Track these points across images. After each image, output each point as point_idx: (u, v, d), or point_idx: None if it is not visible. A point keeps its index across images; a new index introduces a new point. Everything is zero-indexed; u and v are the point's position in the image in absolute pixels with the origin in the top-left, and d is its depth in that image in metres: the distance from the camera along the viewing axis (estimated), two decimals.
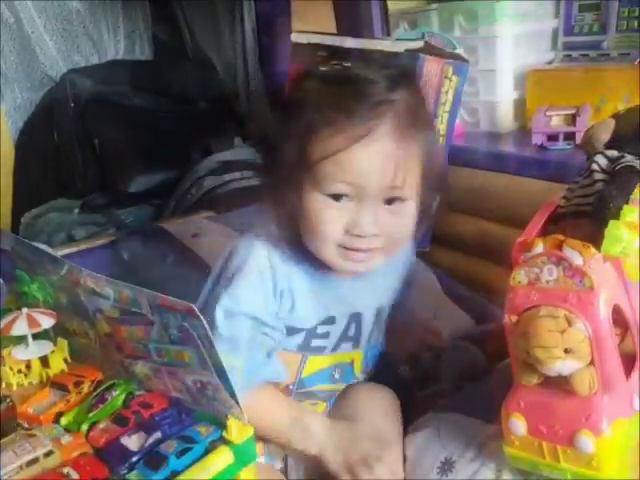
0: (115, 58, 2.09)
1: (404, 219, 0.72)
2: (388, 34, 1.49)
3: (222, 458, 0.66)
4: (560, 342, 0.59)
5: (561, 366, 0.60)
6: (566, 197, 0.76)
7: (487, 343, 0.96)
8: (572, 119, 1.14)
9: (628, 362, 0.62)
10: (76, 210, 1.68)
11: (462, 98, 1.19)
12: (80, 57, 2.03)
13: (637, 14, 1.24)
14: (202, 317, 0.64)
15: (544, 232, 0.74)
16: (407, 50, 1.13)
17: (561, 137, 1.14)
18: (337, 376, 0.82)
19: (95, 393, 0.77)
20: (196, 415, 0.72)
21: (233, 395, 0.67)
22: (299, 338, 0.79)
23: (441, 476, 0.72)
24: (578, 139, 1.13)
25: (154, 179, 1.64)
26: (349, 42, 1.23)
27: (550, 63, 1.36)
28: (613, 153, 0.71)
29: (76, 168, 1.75)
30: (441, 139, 1.20)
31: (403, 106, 0.69)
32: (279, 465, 0.83)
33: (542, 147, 1.16)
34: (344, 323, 0.80)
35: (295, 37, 1.36)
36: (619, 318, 0.62)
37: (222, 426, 0.69)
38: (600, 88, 1.16)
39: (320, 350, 0.80)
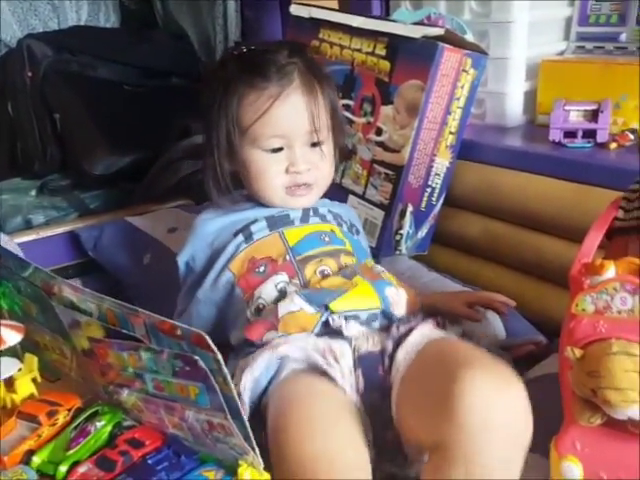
0: (77, 24, 1.92)
1: (325, 158, 0.91)
2: (387, 13, 1.37)
3: None
4: (636, 384, 0.52)
5: (635, 410, 0.53)
6: (624, 208, 0.68)
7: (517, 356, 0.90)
8: (593, 115, 1.06)
9: None
10: (33, 192, 1.52)
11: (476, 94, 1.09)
12: (37, 21, 1.87)
13: None
14: (215, 348, 0.53)
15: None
16: (424, 36, 1.02)
17: (579, 134, 1.06)
18: (327, 239, 0.90)
19: (74, 424, 0.65)
20: (199, 457, 0.61)
21: (248, 439, 0.56)
22: (262, 223, 0.91)
23: None
24: (599, 137, 1.05)
25: (123, 160, 1.47)
26: (356, 21, 1.11)
27: (561, 54, 1.27)
28: None
29: (33, 145, 1.57)
30: (451, 137, 1.11)
31: (304, 67, 0.88)
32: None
33: (559, 144, 1.07)
34: (300, 211, 0.93)
35: (295, 9, 1.23)
36: None
37: (232, 472, 0.58)
38: (621, 84, 1.08)
39: (290, 223, 0.91)
